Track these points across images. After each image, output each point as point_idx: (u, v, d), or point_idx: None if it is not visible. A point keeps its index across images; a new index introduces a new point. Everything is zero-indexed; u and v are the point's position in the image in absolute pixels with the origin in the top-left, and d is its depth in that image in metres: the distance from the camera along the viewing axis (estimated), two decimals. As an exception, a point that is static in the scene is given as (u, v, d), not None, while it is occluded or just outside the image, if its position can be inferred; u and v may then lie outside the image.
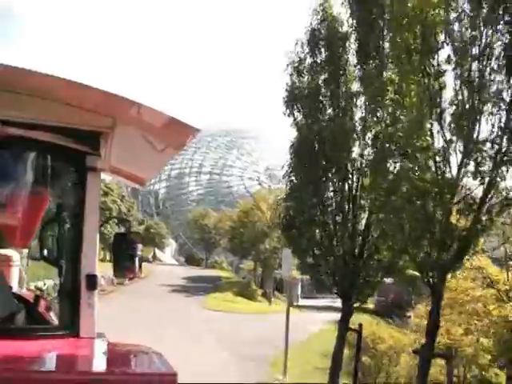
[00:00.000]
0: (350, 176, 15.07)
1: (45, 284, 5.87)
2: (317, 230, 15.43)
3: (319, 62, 15.70)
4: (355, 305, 16.31)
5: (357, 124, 15.01)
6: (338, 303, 61.12)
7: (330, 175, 15.15)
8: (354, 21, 15.04)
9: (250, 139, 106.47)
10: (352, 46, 15.54)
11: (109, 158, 4.03)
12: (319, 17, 15.68)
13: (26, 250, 5.81)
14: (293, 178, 15.86)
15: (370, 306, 67.76)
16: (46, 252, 4.31)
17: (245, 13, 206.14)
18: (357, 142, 14.96)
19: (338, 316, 42.73)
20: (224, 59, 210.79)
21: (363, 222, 15.46)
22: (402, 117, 12.01)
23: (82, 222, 3.79)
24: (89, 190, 3.80)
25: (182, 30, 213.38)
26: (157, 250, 73.10)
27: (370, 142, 14.37)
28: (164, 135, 4.13)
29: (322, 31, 15.67)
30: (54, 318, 4.31)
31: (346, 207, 15.17)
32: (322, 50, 15.64)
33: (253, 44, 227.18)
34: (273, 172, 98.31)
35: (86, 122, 3.82)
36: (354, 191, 15.11)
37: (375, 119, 14.15)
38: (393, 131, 11.81)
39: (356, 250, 15.12)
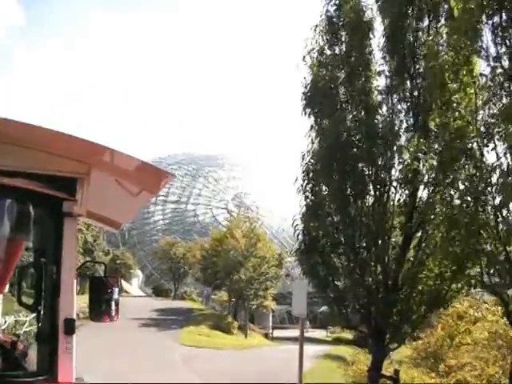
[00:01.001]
0: (384, 189, 12.11)
1: (5, 322, 5.63)
2: (343, 256, 12.40)
3: (339, 53, 12.88)
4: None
5: (388, 125, 12.08)
6: (311, 333, 58.88)
7: (359, 188, 12.12)
8: (384, 4, 12.27)
9: (215, 167, 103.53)
10: (377, 34, 12.72)
11: (85, 203, 3.97)
12: (337, 1, 12.91)
13: (1, 297, 6.01)
14: (308, 193, 12.85)
15: (349, 336, 64.94)
16: (23, 297, 4.20)
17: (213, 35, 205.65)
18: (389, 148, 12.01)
19: (323, 349, 39.95)
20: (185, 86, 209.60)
21: (393, 242, 12.53)
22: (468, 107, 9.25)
23: (59, 266, 3.77)
24: (66, 236, 3.80)
25: (148, 57, 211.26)
26: (123, 282, 68.70)
27: (408, 145, 11.47)
28: (138, 180, 4.22)
29: (342, 18, 12.89)
30: (31, 363, 4.26)
31: (378, 227, 12.13)
32: (343, 39, 12.84)
33: (218, 70, 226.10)
34: (241, 200, 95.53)
35: (61, 168, 3.83)
36: (386, 207, 12.14)
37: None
38: (462, 125, 8.97)
39: (389, 280, 12.12)
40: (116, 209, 5.19)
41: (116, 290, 4.40)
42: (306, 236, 12.54)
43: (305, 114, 12.47)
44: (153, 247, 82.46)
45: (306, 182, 12.77)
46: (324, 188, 12.59)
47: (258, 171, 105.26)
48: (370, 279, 12.17)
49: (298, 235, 12.74)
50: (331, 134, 11.89)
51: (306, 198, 12.81)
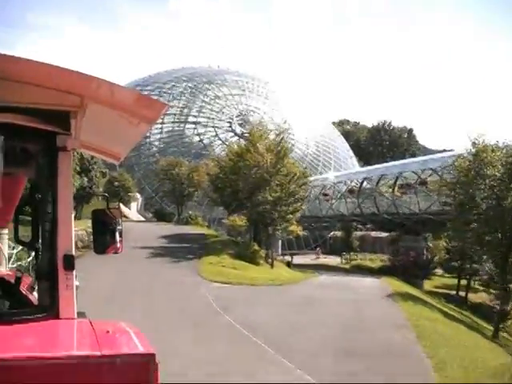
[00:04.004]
0: None
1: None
2: None
3: None
4: None
5: None
6: (323, 260, 51.37)
7: None
8: None
9: (215, 85, 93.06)
10: None
11: (79, 137, 3.85)
12: None
13: (5, 231, 6.35)
14: None
15: (372, 265, 57.59)
16: (20, 234, 4.26)
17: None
18: None
19: (364, 282, 31.86)
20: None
21: None
22: None
23: (55, 202, 3.63)
24: (61, 170, 3.64)
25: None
26: (121, 206, 59.94)
27: None
28: (133, 111, 3.91)
29: None
30: (33, 299, 4.28)
31: None
32: None
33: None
34: (247, 117, 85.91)
35: (54, 101, 3.62)
36: None
37: None
38: None
39: None
40: (113, 140, 4.90)
41: (119, 221, 4.28)
42: None
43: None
44: (151, 168, 73.38)
45: None
46: None
47: (262, 89, 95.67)
48: None
49: None
50: None
51: None
